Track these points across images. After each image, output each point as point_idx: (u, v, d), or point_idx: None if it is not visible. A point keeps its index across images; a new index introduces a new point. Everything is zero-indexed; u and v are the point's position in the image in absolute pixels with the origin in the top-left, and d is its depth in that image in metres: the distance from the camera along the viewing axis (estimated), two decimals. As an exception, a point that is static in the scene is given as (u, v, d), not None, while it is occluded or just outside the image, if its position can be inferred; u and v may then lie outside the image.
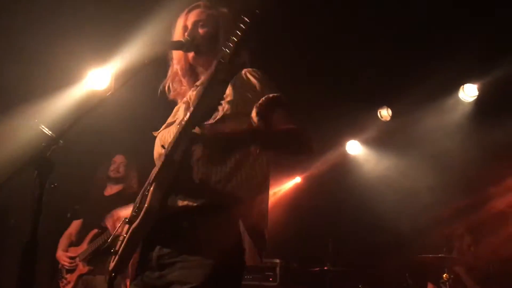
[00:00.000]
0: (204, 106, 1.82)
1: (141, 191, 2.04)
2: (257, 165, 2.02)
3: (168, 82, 2.30)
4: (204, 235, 1.87)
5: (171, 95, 2.31)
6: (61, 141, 1.78)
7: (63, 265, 4.61)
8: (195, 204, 1.90)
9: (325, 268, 6.24)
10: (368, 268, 6.51)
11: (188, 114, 1.85)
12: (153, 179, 1.92)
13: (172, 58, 2.29)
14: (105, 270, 4.25)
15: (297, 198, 7.30)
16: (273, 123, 1.99)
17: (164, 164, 1.90)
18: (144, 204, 1.89)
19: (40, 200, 1.68)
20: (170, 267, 1.89)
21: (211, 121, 1.91)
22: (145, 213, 1.87)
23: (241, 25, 1.72)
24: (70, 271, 4.58)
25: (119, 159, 4.83)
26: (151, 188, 1.90)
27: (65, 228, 4.96)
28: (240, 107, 2.00)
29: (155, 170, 1.98)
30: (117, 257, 1.94)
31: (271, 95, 2.00)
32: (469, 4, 5.01)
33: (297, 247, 6.88)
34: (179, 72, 2.25)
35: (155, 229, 1.91)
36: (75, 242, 4.74)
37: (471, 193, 6.09)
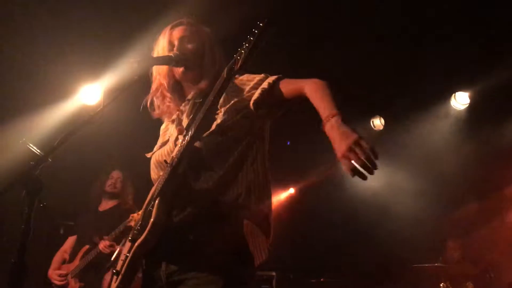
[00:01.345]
0: (207, 118, 1.84)
1: (143, 209, 2.03)
2: (256, 171, 2.01)
3: (150, 98, 2.27)
4: (210, 247, 1.87)
5: (156, 114, 2.27)
6: (50, 159, 1.75)
7: (54, 283, 4.56)
8: (199, 215, 1.89)
9: (322, 280, 6.20)
10: (365, 279, 6.47)
11: (193, 128, 1.86)
12: (157, 193, 1.91)
13: (152, 74, 2.26)
14: (97, 286, 4.23)
15: (291, 209, 7.28)
16: (285, 95, 2.00)
17: (169, 178, 1.90)
18: (149, 219, 1.87)
19: (29, 220, 1.65)
20: (182, 284, 1.87)
21: (207, 133, 1.93)
22: (151, 226, 1.86)
23: (254, 31, 1.71)
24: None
25: (116, 174, 4.81)
26: (156, 202, 1.90)
27: (57, 245, 4.90)
28: (233, 117, 2.00)
29: (158, 186, 1.96)
30: (120, 276, 1.92)
31: (261, 87, 2.01)
32: (460, 13, 5.03)
33: (293, 259, 6.84)
34: (165, 88, 2.22)
35: (159, 245, 1.89)
36: (69, 259, 4.69)
37: (464, 199, 6.11)
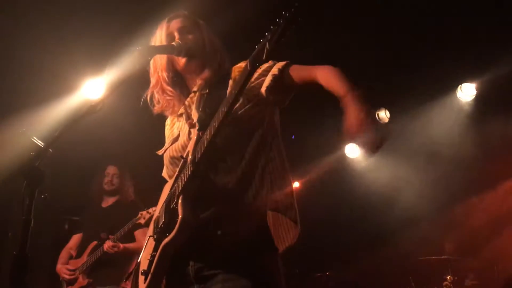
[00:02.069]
0: (230, 113, 1.81)
1: (161, 207, 2.00)
2: (274, 161, 1.99)
3: (150, 93, 2.23)
4: (238, 242, 1.85)
5: (156, 109, 2.23)
6: (51, 150, 1.73)
7: (63, 277, 4.58)
8: (224, 211, 1.88)
9: (327, 273, 6.19)
10: (370, 272, 6.45)
11: (214, 127, 1.82)
12: (180, 191, 1.89)
13: (150, 68, 2.21)
14: (106, 281, 4.25)
15: (296, 203, 7.24)
16: (296, 80, 1.98)
17: (192, 175, 1.87)
18: (176, 217, 1.84)
19: (30, 211, 1.63)
20: (211, 279, 1.86)
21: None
22: (181, 224, 1.82)
23: (282, 19, 1.65)
24: (71, 283, 4.55)
25: (111, 170, 4.79)
26: (180, 200, 1.87)
27: (63, 240, 4.92)
28: (244, 106, 1.98)
29: (179, 183, 1.93)
30: (149, 276, 1.88)
31: (272, 73, 1.98)
32: (465, 4, 4.98)
33: (298, 253, 6.82)
34: (165, 81, 2.18)
35: (187, 241, 1.86)
36: (76, 255, 4.71)
37: (471, 192, 6.07)
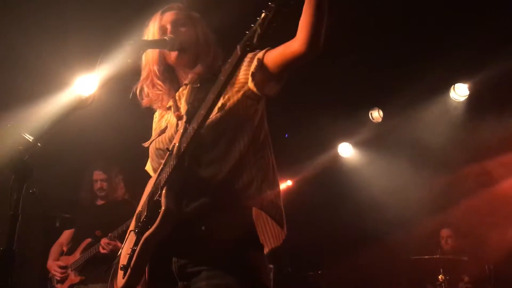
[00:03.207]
0: (216, 104, 1.78)
1: (145, 199, 1.97)
2: (262, 158, 1.98)
3: (140, 86, 2.20)
4: (221, 237, 1.83)
5: (145, 102, 2.20)
6: (39, 144, 1.71)
7: (53, 274, 4.55)
8: (208, 205, 1.85)
9: (319, 272, 6.19)
10: (363, 271, 6.46)
11: (202, 114, 1.79)
12: (164, 182, 1.85)
13: (144, 63, 2.18)
14: (98, 279, 4.22)
15: (289, 202, 7.21)
16: (277, 61, 1.91)
17: (175, 167, 1.84)
18: (158, 209, 1.80)
19: (18, 206, 1.60)
20: (195, 276, 1.83)
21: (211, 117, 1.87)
22: (163, 216, 1.79)
23: (272, 4, 1.62)
24: (61, 280, 4.51)
25: (98, 176, 4.74)
26: (163, 191, 1.83)
27: (54, 237, 4.88)
28: (233, 95, 1.96)
29: (163, 175, 1.90)
30: (129, 271, 1.85)
31: (257, 58, 1.93)
32: (459, 5, 4.99)
33: (291, 252, 6.82)
34: (156, 75, 2.14)
35: (169, 236, 1.83)
36: (67, 251, 4.67)
37: (462, 190, 6.09)
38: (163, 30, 2.13)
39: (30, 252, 5.59)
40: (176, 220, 1.82)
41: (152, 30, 2.16)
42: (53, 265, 4.56)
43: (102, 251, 4.23)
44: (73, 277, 4.44)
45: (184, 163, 1.86)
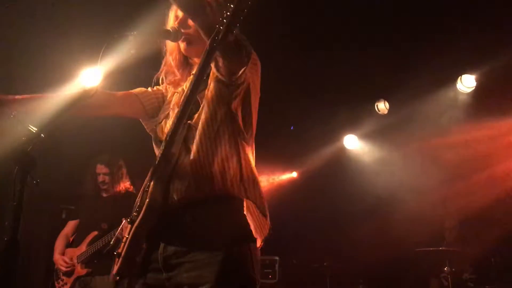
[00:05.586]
0: (195, 95, 1.78)
1: (142, 189, 2.00)
2: (247, 150, 2.00)
3: (162, 74, 2.24)
4: (207, 228, 1.86)
5: (167, 82, 2.23)
6: (43, 135, 1.70)
7: (60, 269, 4.57)
8: (195, 196, 1.87)
9: (325, 264, 6.19)
10: (368, 263, 6.45)
11: (181, 106, 1.82)
12: (151, 174, 1.89)
13: (165, 51, 2.22)
14: (104, 271, 4.24)
15: (294, 193, 7.25)
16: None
17: (161, 159, 1.87)
18: (145, 201, 1.85)
19: (21, 196, 1.61)
20: (178, 267, 1.86)
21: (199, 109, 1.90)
22: (147, 207, 1.83)
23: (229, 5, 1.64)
24: (67, 273, 4.53)
25: (101, 169, 4.76)
26: (151, 183, 1.87)
27: (60, 228, 4.89)
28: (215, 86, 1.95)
29: (154, 165, 1.94)
30: (120, 259, 1.89)
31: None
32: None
33: (296, 244, 6.83)
34: (173, 64, 2.19)
35: (157, 226, 1.87)
36: (72, 243, 4.69)
37: (468, 183, 6.05)
38: (177, 19, 2.13)
39: (37, 244, 5.63)
40: (159, 213, 1.86)
41: (170, 19, 2.17)
42: (59, 260, 4.58)
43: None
44: (80, 270, 4.46)
45: (169, 154, 1.89)
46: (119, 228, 2.03)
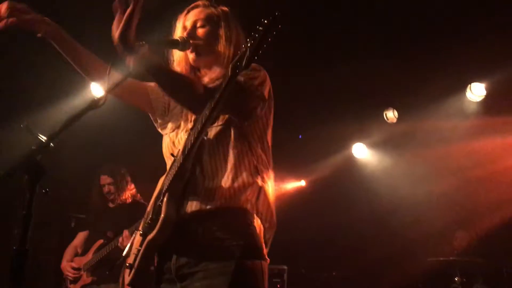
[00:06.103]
0: (214, 112, 1.81)
1: (152, 201, 2.04)
2: (258, 159, 2.02)
3: None
4: (219, 239, 1.88)
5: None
6: (52, 144, 1.71)
7: (67, 275, 4.60)
8: (206, 208, 1.90)
9: (333, 273, 6.15)
10: (377, 272, 6.41)
11: (201, 123, 1.83)
12: (166, 189, 1.92)
13: (173, 61, 2.22)
14: (109, 279, 4.24)
15: (303, 202, 7.23)
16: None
17: (177, 174, 1.91)
18: (160, 214, 1.88)
19: (30, 205, 1.61)
20: (190, 277, 1.88)
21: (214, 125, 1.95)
22: (162, 223, 1.87)
23: (260, 28, 1.66)
24: (74, 281, 4.56)
25: (104, 180, 4.78)
26: (165, 198, 1.90)
27: (69, 237, 4.93)
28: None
29: (165, 181, 1.97)
30: (133, 270, 1.93)
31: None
32: (476, 3, 4.92)
33: (305, 253, 6.80)
34: None
35: (170, 238, 1.90)
36: (80, 253, 4.72)
37: (479, 192, 6.00)
38: (185, 30, 2.14)
39: (45, 253, 5.65)
40: (174, 226, 1.90)
41: (177, 29, 2.17)
42: (67, 266, 4.62)
43: (122, 243, 4.23)
44: (85, 278, 4.50)
45: (184, 169, 1.92)
46: (120, 238, 2.07)
